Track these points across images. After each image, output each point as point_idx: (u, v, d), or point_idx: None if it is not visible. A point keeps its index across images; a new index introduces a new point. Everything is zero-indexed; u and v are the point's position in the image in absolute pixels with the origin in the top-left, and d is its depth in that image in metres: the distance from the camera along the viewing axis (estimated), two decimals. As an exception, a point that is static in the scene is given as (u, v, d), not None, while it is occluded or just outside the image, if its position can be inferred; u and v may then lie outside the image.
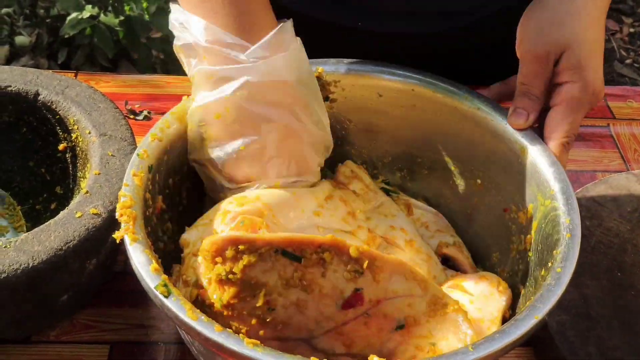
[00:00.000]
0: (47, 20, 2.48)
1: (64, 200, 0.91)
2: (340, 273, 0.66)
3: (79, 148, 0.89)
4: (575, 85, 0.79)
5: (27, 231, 0.88)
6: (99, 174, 0.81)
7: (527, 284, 0.77)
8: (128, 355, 0.84)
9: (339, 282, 0.67)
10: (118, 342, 0.85)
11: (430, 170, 0.93)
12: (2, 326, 0.79)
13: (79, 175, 0.90)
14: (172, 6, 0.79)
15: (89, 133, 0.86)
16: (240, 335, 0.62)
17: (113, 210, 0.78)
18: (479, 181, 0.87)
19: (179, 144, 0.81)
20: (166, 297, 0.64)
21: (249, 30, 0.76)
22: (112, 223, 0.78)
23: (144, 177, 0.74)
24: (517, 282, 0.80)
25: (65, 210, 0.78)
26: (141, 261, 0.67)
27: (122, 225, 0.69)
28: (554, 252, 0.71)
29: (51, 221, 0.77)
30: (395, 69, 0.88)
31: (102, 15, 2.31)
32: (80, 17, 2.26)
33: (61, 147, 0.90)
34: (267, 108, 0.76)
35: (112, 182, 0.81)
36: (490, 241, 0.88)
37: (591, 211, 0.95)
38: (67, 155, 0.91)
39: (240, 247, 0.65)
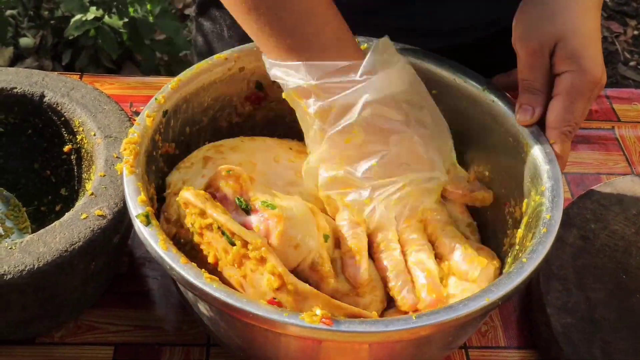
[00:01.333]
0: (51, 22, 2.49)
1: (68, 202, 0.91)
2: (264, 278, 0.68)
3: (84, 150, 0.89)
4: (573, 74, 0.78)
5: (32, 233, 0.88)
6: (104, 175, 0.81)
7: (503, 272, 0.78)
8: (132, 356, 0.84)
9: (262, 284, 0.69)
10: (122, 343, 0.85)
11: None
12: (7, 327, 0.80)
13: (84, 177, 0.90)
14: (265, 60, 0.80)
15: (94, 135, 0.86)
16: (202, 270, 0.66)
17: (118, 212, 0.78)
18: (487, 173, 0.88)
19: (203, 96, 0.86)
20: (145, 225, 0.69)
21: (344, 52, 0.77)
22: (117, 224, 0.78)
23: (156, 119, 0.79)
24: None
25: (71, 212, 0.78)
26: (132, 191, 0.72)
27: (124, 157, 0.74)
28: (527, 243, 0.73)
29: (56, 223, 0.77)
30: (418, 53, 0.89)
31: (106, 17, 2.32)
32: (84, 18, 2.27)
33: (66, 149, 0.90)
34: (390, 121, 0.78)
35: (117, 184, 0.81)
36: (489, 234, 0.88)
37: (596, 214, 0.95)
38: (72, 157, 0.91)
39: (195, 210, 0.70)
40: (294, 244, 0.74)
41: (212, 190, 0.76)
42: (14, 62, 2.49)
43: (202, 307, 0.74)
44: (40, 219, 0.92)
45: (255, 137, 0.88)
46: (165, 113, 0.81)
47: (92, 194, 0.80)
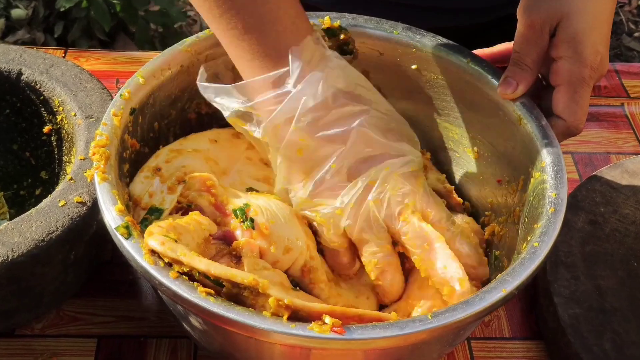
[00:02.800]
0: (44, -7, 2.43)
1: (49, 186, 0.87)
2: (268, 307, 0.62)
3: (64, 131, 0.84)
4: (570, 62, 0.74)
5: (11, 218, 0.84)
6: (84, 159, 0.77)
7: (512, 257, 0.73)
8: (116, 349, 0.80)
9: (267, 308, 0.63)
10: (106, 335, 0.81)
11: (428, 135, 0.89)
12: (-19, 322, 0.75)
13: (64, 159, 0.85)
14: (199, 85, 0.75)
15: (75, 115, 0.81)
16: (195, 283, 0.61)
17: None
18: (475, 149, 0.84)
19: (170, 88, 0.80)
20: (126, 238, 0.64)
21: (277, 50, 0.71)
22: (97, 212, 0.73)
23: (124, 117, 0.73)
24: (502, 256, 0.77)
25: (48, 199, 0.74)
26: (107, 200, 0.66)
27: (94, 163, 0.68)
28: (535, 225, 0.69)
29: (32, 210, 0.72)
30: (396, 28, 0.84)
31: (98, -13, 2.26)
32: (76, -11, 2.21)
33: (46, 129, 0.86)
34: (336, 120, 0.72)
35: (98, 168, 0.76)
36: (482, 212, 0.85)
37: (606, 197, 0.90)
38: (52, 139, 0.86)
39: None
40: (284, 247, 0.71)
41: (185, 203, 0.71)
42: (5, 34, 2.44)
43: (195, 322, 0.69)
44: (19, 204, 0.88)
45: (207, 132, 0.82)
46: (133, 110, 0.75)
47: (71, 179, 0.75)
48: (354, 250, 0.75)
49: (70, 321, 0.82)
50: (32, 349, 0.79)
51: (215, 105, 0.75)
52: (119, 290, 0.84)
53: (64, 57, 1.10)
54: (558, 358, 0.80)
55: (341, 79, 0.72)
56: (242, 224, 0.70)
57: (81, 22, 2.33)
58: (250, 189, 0.78)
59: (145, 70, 0.77)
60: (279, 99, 0.70)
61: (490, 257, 0.80)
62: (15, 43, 2.43)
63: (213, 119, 0.84)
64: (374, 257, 0.73)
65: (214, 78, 0.78)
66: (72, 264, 0.75)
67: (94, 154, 0.69)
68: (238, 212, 0.70)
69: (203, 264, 0.62)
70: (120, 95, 0.74)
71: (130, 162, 0.75)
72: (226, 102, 0.73)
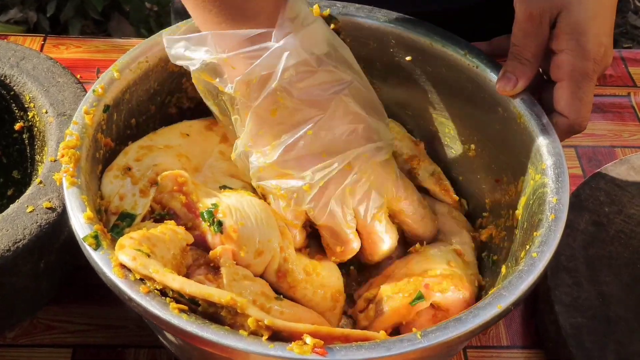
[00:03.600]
0: (36, -29, 2.38)
1: (21, 186, 0.82)
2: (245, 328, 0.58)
3: (36, 128, 0.79)
4: (573, 55, 0.70)
5: (-18, 221, 0.79)
6: (54, 160, 0.72)
7: (509, 263, 0.70)
8: (92, 359, 0.76)
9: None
10: (82, 345, 0.77)
11: (423, 130, 0.85)
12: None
13: (37, 159, 0.80)
14: (165, 39, 0.69)
15: (46, 112, 0.76)
16: (167, 299, 0.57)
17: (70, 203, 0.69)
18: (472, 146, 0.80)
19: (147, 81, 0.75)
20: (94, 249, 0.60)
21: (254, 16, 0.66)
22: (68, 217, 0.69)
23: (96, 115, 0.69)
24: (499, 261, 0.73)
25: (15, 204, 0.69)
26: (75, 207, 0.62)
27: (62, 166, 0.64)
28: (535, 233, 0.65)
29: (-2, 217, 0.68)
30: (389, 16, 0.80)
31: (92, -35, 2.20)
32: (69, -33, 2.16)
33: (17, 126, 0.81)
34: (320, 84, 0.67)
35: (69, 171, 0.71)
36: (479, 214, 0.80)
37: (611, 196, 0.85)
38: (24, 136, 0.81)
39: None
40: (254, 251, 0.67)
41: (158, 210, 0.67)
42: (-2, 13, 2.39)
43: (170, 336, 0.65)
44: (-10, 205, 0.83)
45: (179, 124, 0.77)
46: (106, 108, 0.70)
47: (40, 182, 0.70)
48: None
49: (45, 329, 0.77)
50: (3, 359, 0.75)
51: (179, 62, 0.69)
52: (96, 296, 0.80)
53: (43, 44, 1.06)
54: (559, 369, 0.76)
55: (326, 43, 0.68)
56: (210, 227, 0.66)
57: (74, 1, 2.28)
58: (223, 187, 0.73)
59: (120, 64, 0.73)
60: (258, 53, 0.65)
61: (488, 262, 0.76)
62: (7, 22, 2.38)
63: (196, 114, 0.80)
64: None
65: None
66: (43, 272, 0.70)
67: (62, 155, 0.65)
68: (205, 214, 0.66)
69: (177, 283, 0.58)
70: (93, 91, 0.70)
71: (104, 163, 0.70)
72: (196, 54, 0.68)
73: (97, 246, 0.60)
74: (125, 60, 0.73)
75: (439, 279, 0.69)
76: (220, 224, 0.66)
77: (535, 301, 0.81)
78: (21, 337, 0.77)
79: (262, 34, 0.65)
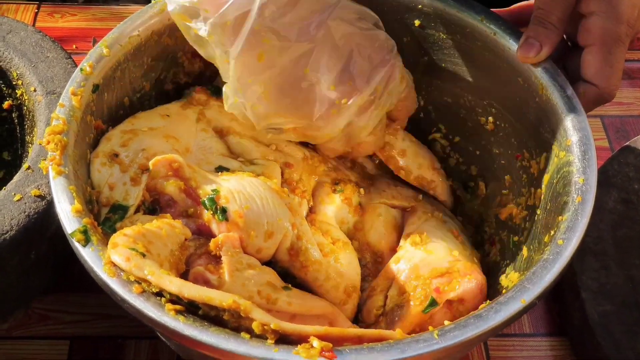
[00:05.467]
0: None
1: (12, 169, 0.78)
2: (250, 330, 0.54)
3: (25, 107, 0.75)
4: (604, 18, 0.66)
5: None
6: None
7: (532, 246, 0.66)
8: (91, 352, 0.73)
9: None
10: (79, 337, 0.73)
11: (436, 102, 0.81)
12: None
13: (27, 139, 0.76)
14: None
15: (34, 90, 0.72)
16: (163, 299, 0.54)
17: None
18: (490, 119, 0.76)
19: (140, 57, 0.70)
20: (83, 245, 0.56)
21: None
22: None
23: (85, 96, 0.64)
24: (520, 243, 0.69)
25: (2, 192, 0.65)
26: (63, 200, 0.58)
27: (49, 154, 0.60)
28: (559, 217, 0.61)
29: (-17, 206, 0.63)
30: None
31: None
32: None
33: (6, 105, 0.76)
34: (310, 16, 0.64)
35: (60, 155, 0.66)
36: (498, 191, 0.76)
37: (640, 171, 0.80)
38: (13, 115, 0.77)
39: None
40: (264, 233, 0.63)
41: (154, 195, 0.62)
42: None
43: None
44: (-20, 188, 0.78)
45: (156, 109, 0.72)
46: (96, 87, 0.65)
47: (28, 167, 0.66)
48: None
49: (40, 320, 0.74)
50: (-3, 353, 0.72)
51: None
52: (93, 284, 0.75)
53: (37, 12, 1.01)
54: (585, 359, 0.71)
55: None
56: (214, 216, 0.62)
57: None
58: (220, 168, 0.69)
59: (109, 39, 0.68)
60: None
61: (508, 244, 0.72)
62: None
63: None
64: None
65: None
66: (33, 264, 0.66)
67: (48, 142, 0.60)
68: (207, 202, 0.62)
69: (174, 286, 0.54)
70: (81, 69, 0.65)
71: (94, 147, 0.66)
72: None
73: (86, 242, 0.56)
74: (114, 35, 0.68)
75: (448, 277, 0.65)
76: (224, 210, 0.62)
77: (558, 287, 0.76)
78: (16, 329, 0.73)
79: None
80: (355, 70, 0.68)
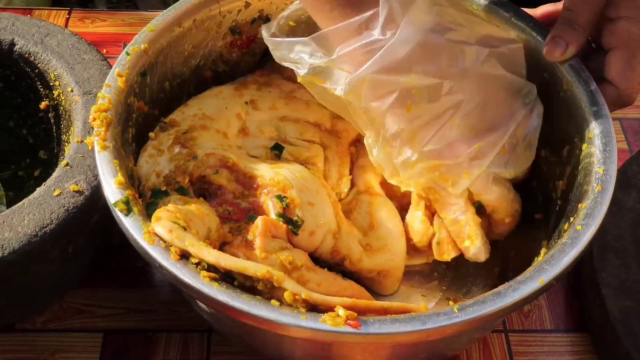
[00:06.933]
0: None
1: (48, 167, 0.80)
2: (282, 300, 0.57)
3: (62, 107, 0.77)
4: (632, 22, 0.66)
5: (9, 201, 0.78)
6: (81, 142, 0.70)
7: (552, 236, 0.67)
8: (123, 345, 0.74)
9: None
10: (112, 330, 0.75)
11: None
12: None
13: (63, 138, 0.78)
14: (268, 42, 0.70)
15: (71, 91, 0.74)
16: (198, 267, 0.57)
17: (98, 186, 0.66)
18: None
19: (181, 44, 0.74)
20: (125, 215, 0.58)
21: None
22: (96, 201, 0.67)
23: (130, 78, 0.67)
24: (541, 236, 0.71)
25: (42, 187, 0.67)
26: (106, 172, 0.61)
27: (94, 129, 0.63)
28: (579, 205, 0.62)
29: (25, 201, 0.66)
30: None
31: None
32: None
33: (42, 105, 0.79)
34: (451, 61, 0.66)
35: (96, 152, 0.68)
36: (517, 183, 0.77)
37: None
38: (50, 115, 0.79)
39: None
40: (314, 222, 0.67)
41: (201, 185, 0.65)
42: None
43: (202, 304, 0.63)
44: (17, 186, 0.81)
45: (206, 93, 0.76)
46: (141, 69, 0.69)
47: (66, 164, 0.68)
48: None
49: (74, 314, 0.76)
50: (33, 345, 0.74)
51: (285, 64, 0.69)
52: (126, 279, 0.78)
53: (68, 17, 1.03)
54: (606, 356, 0.73)
55: (434, 11, 0.66)
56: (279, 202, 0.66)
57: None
58: (276, 147, 0.73)
59: (154, 24, 0.71)
60: (369, 47, 0.63)
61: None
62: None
63: (230, 78, 0.79)
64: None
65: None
66: (71, 257, 0.68)
67: (94, 119, 0.63)
68: (276, 199, 0.66)
69: (212, 256, 0.57)
70: (127, 53, 0.68)
71: (137, 126, 0.69)
72: (301, 57, 0.67)
73: (128, 212, 0.59)
74: (158, 22, 0.71)
75: None
76: (284, 198, 0.66)
77: (579, 283, 0.77)
78: (50, 322, 0.75)
79: (365, 21, 0.63)
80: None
